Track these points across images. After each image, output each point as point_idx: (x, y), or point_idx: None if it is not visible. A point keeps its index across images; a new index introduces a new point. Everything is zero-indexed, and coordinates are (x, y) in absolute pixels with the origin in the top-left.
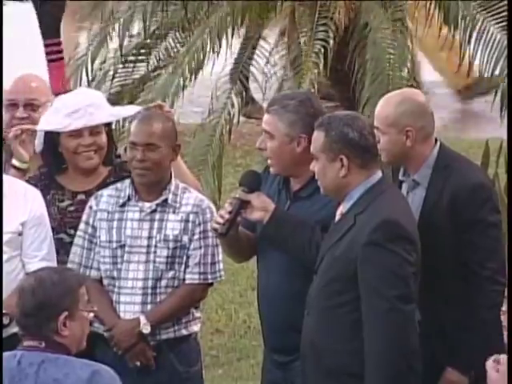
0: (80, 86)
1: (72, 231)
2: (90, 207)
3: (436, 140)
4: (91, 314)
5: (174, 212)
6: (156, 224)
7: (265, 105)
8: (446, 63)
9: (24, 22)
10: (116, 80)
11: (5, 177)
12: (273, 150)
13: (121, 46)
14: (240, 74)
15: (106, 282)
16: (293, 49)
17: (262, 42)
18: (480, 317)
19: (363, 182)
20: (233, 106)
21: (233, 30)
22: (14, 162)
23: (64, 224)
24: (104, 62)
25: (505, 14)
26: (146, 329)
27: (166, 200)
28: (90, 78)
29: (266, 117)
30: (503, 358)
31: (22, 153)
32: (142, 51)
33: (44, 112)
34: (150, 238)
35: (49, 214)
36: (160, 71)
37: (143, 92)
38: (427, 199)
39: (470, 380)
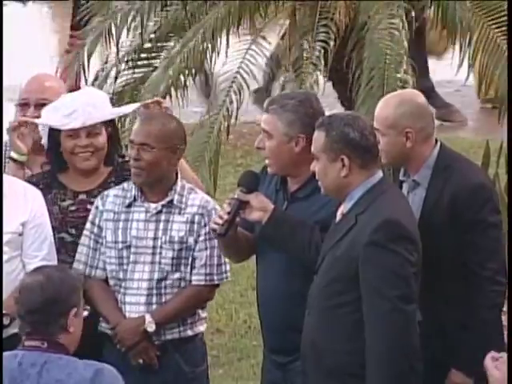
0: (76, 78)
1: (73, 231)
2: (97, 207)
3: (436, 140)
4: (85, 313)
5: (179, 213)
6: (161, 225)
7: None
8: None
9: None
10: (118, 80)
11: (5, 177)
12: (271, 149)
13: (117, 45)
14: (239, 71)
15: (111, 282)
16: (294, 50)
17: (261, 41)
18: (480, 317)
19: (364, 182)
20: (231, 103)
21: (227, 30)
22: (12, 154)
23: (65, 223)
24: (106, 62)
25: (505, 18)
26: (151, 327)
27: (171, 201)
28: (87, 73)
29: (264, 116)
30: (502, 355)
31: (19, 145)
32: (144, 51)
33: None
34: (155, 238)
35: (50, 213)
36: (160, 70)
37: (143, 91)
38: (427, 199)
39: (475, 381)
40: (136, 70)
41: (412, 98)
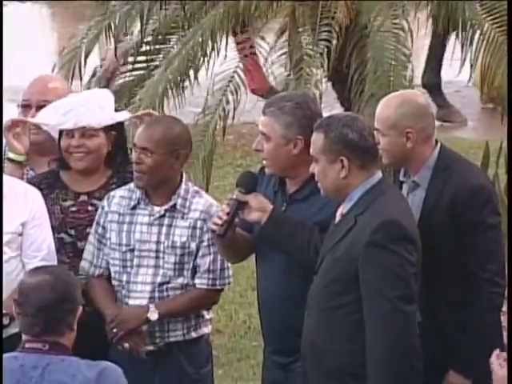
0: (72, 77)
1: (73, 231)
2: (102, 207)
3: (436, 141)
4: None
5: (182, 218)
6: (164, 229)
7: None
8: None
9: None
10: (116, 78)
11: (5, 177)
12: (269, 151)
13: (115, 43)
14: (236, 71)
15: (114, 283)
16: (295, 51)
17: (259, 41)
18: (480, 318)
19: (363, 183)
20: (228, 102)
21: (227, 31)
22: (9, 154)
23: (65, 224)
24: (104, 59)
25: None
26: (154, 315)
27: (174, 205)
28: (83, 70)
29: (262, 118)
30: (504, 354)
31: (15, 145)
32: (141, 50)
33: None
34: (158, 242)
35: (51, 212)
36: (159, 70)
37: (141, 90)
38: (427, 200)
39: (472, 383)
40: (134, 68)
41: (413, 98)
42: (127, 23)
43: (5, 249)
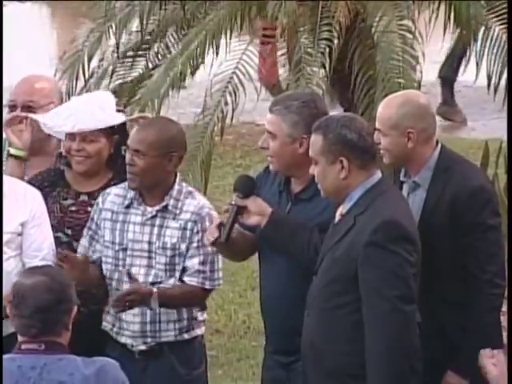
0: (76, 81)
1: (69, 231)
2: (97, 204)
3: (437, 142)
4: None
5: (173, 218)
6: (156, 230)
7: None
8: None
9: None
10: (114, 78)
11: (5, 177)
12: (275, 149)
13: (117, 44)
14: (235, 72)
15: (108, 282)
16: (296, 51)
17: (258, 41)
18: (479, 319)
19: (363, 183)
20: (226, 104)
21: (231, 30)
22: (10, 149)
23: (63, 223)
24: (102, 59)
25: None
26: (154, 304)
27: (166, 206)
28: (87, 74)
29: (269, 116)
30: (497, 352)
31: (15, 140)
32: (141, 49)
33: (44, 114)
34: (150, 243)
35: (51, 211)
36: (158, 69)
37: (140, 90)
38: (427, 201)
39: (470, 383)
40: (133, 69)
41: (414, 98)
42: (128, 25)
43: (4, 248)
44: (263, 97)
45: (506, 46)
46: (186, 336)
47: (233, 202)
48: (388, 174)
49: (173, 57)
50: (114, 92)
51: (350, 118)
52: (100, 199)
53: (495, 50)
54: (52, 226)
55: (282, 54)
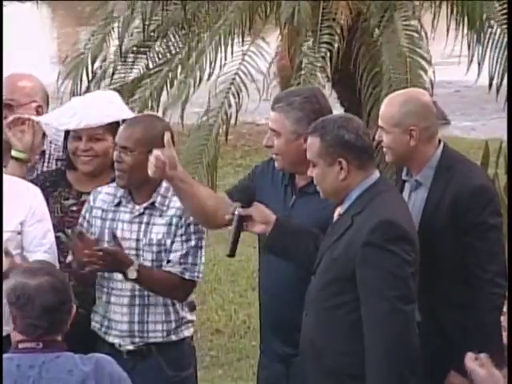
0: (80, 84)
1: (69, 231)
2: (88, 202)
3: (440, 141)
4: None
5: (160, 215)
6: (143, 227)
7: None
8: None
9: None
10: (115, 78)
11: (5, 176)
12: (279, 147)
13: (120, 45)
14: (238, 73)
15: (98, 280)
16: (296, 55)
17: (260, 42)
18: (480, 319)
19: (361, 183)
20: (230, 106)
21: (243, 33)
22: (12, 152)
23: (63, 223)
24: (104, 60)
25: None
26: (132, 274)
27: (153, 203)
28: (90, 75)
29: (271, 114)
30: (484, 356)
31: (16, 142)
32: (142, 50)
33: (26, 113)
34: (137, 240)
35: (52, 211)
36: (159, 69)
37: (140, 89)
38: (429, 200)
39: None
40: (134, 69)
41: (417, 96)
42: (130, 25)
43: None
44: (263, 97)
45: (504, 45)
46: (173, 337)
47: (236, 213)
48: (391, 173)
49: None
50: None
51: (346, 119)
52: (91, 197)
53: (497, 51)
54: (53, 225)
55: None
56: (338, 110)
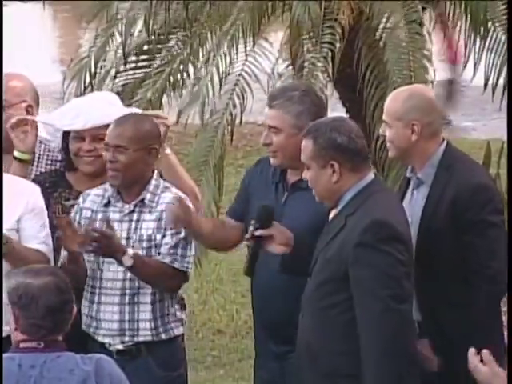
0: (84, 87)
1: (58, 215)
2: (78, 204)
3: (443, 139)
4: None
5: (149, 212)
6: (133, 225)
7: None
8: None
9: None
10: (118, 80)
11: (5, 175)
12: (280, 143)
13: (123, 46)
14: (241, 74)
15: (89, 282)
16: (299, 55)
17: (264, 43)
18: (480, 317)
19: (355, 185)
20: (235, 106)
21: (253, 33)
22: (14, 152)
23: None
24: (104, 60)
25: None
26: (128, 261)
27: (143, 200)
28: (94, 79)
29: (270, 112)
30: (486, 352)
31: (18, 144)
32: (144, 51)
33: (16, 113)
34: (128, 238)
35: (53, 211)
36: (161, 69)
37: (141, 89)
38: (429, 199)
39: None
40: (136, 71)
41: (421, 92)
42: (133, 27)
43: None
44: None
45: (504, 46)
46: (163, 336)
47: (256, 233)
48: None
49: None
50: (117, 93)
51: (339, 121)
52: (81, 199)
53: (494, 50)
54: (54, 226)
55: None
56: (339, 111)
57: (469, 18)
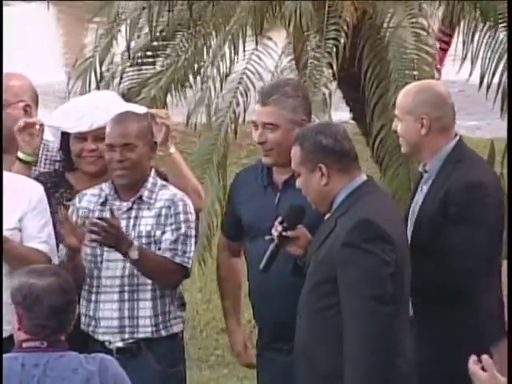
0: (89, 87)
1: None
2: (74, 204)
3: (456, 134)
4: None
5: (148, 208)
6: (132, 221)
7: None
8: None
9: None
10: (123, 81)
11: (7, 174)
12: (276, 140)
13: (128, 47)
14: (245, 72)
15: (87, 280)
16: (302, 52)
17: (268, 42)
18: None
19: (346, 187)
20: (238, 104)
21: (256, 32)
22: (19, 154)
23: None
24: (111, 62)
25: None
26: (134, 254)
27: (140, 197)
28: (99, 79)
29: (264, 109)
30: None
31: (24, 146)
32: (149, 52)
33: (14, 112)
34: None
35: (55, 212)
36: (165, 68)
37: (145, 88)
38: (430, 189)
39: None
40: (143, 71)
41: (432, 87)
42: (137, 27)
43: None
44: None
45: (501, 45)
46: (163, 333)
47: (284, 234)
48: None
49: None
50: (124, 95)
51: (324, 125)
52: (77, 199)
53: (490, 49)
54: (55, 226)
55: (289, 56)
56: (343, 110)
57: (477, 15)
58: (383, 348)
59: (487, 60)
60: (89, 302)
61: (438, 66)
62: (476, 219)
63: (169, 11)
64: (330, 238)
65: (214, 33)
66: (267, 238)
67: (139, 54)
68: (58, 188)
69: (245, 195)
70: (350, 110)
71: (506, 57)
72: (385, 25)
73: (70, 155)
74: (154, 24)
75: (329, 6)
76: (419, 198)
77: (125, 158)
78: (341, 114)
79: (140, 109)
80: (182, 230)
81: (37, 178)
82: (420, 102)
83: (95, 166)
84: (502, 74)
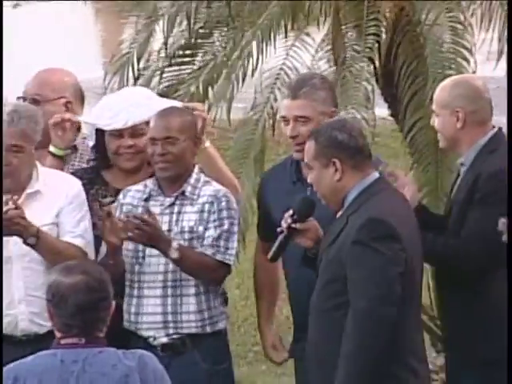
0: (126, 83)
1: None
2: (118, 200)
3: (494, 127)
4: None
5: (191, 204)
6: (174, 217)
7: None
8: None
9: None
10: (163, 79)
11: (44, 169)
12: (308, 133)
13: (166, 43)
14: (283, 67)
15: (128, 276)
16: (341, 47)
17: (305, 37)
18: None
19: (358, 184)
20: (276, 100)
21: (286, 28)
22: (50, 147)
23: None
24: (148, 60)
25: None
26: (174, 254)
27: (183, 192)
28: (136, 75)
29: (295, 103)
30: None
31: (58, 140)
32: (188, 50)
33: (53, 108)
34: (169, 230)
35: (91, 208)
36: (204, 64)
37: (184, 85)
38: (460, 183)
39: None
40: (181, 67)
41: (468, 81)
42: (175, 25)
43: None
44: None
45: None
46: (208, 329)
47: (293, 226)
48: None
49: (216, 54)
50: (162, 94)
51: (339, 121)
52: (121, 195)
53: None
54: (93, 223)
55: (328, 51)
56: (381, 106)
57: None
58: (376, 348)
59: None
60: (130, 298)
61: None
62: (498, 205)
63: (207, 8)
64: (341, 236)
65: (250, 30)
66: (278, 229)
67: (177, 52)
68: (94, 185)
69: (274, 194)
70: (388, 107)
71: None
72: (422, 21)
73: (105, 153)
74: (193, 21)
75: (368, 1)
76: (454, 189)
77: (166, 151)
78: (379, 111)
79: (177, 104)
80: (225, 227)
81: (73, 174)
82: (456, 95)
83: (133, 163)
84: None
